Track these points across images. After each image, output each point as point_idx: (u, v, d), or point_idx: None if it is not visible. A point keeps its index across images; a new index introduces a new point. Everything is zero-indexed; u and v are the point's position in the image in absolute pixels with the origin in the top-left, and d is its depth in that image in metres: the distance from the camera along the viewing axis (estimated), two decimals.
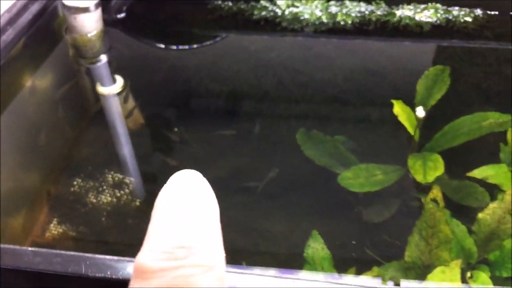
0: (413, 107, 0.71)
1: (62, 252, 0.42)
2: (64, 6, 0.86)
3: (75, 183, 0.71)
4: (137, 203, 0.70)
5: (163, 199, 0.23)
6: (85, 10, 0.86)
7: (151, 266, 0.20)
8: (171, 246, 0.21)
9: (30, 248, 0.42)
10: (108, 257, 0.43)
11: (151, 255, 0.21)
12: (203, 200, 0.23)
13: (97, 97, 0.85)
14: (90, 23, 0.87)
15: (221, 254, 0.22)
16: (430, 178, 0.63)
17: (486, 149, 0.71)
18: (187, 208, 0.22)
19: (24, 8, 0.83)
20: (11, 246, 0.43)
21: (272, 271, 0.45)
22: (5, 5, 0.84)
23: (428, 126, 0.73)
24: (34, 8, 0.86)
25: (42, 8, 0.88)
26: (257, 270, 0.46)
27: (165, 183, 0.69)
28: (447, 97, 0.75)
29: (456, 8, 0.90)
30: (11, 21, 0.80)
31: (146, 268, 0.20)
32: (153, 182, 0.74)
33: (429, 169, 0.64)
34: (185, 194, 0.23)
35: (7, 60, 0.80)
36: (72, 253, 0.42)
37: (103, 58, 0.90)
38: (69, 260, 0.42)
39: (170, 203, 0.22)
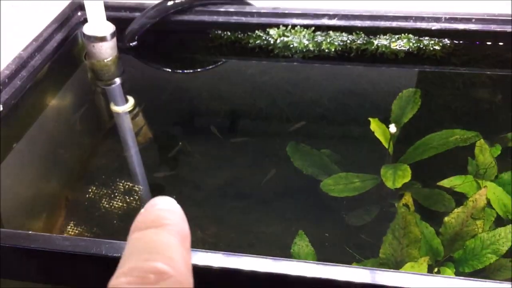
0: (388, 124, 0.73)
1: (86, 238, 0.46)
2: (84, 35, 0.88)
3: (90, 190, 0.72)
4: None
5: (139, 224, 0.22)
6: (103, 39, 0.87)
7: None
8: (144, 270, 0.20)
9: (60, 235, 0.46)
10: (124, 242, 0.46)
11: (124, 279, 0.20)
12: (176, 227, 0.22)
13: (111, 114, 0.86)
14: (106, 50, 0.88)
15: (191, 279, 0.21)
16: (398, 184, 0.65)
17: (457, 162, 0.72)
18: (160, 234, 0.21)
19: (49, 37, 0.85)
20: (45, 234, 0.47)
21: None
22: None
23: (402, 141, 0.74)
24: (58, 37, 0.88)
25: (65, 37, 0.90)
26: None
27: (169, 190, 0.70)
28: (418, 116, 0.77)
29: (427, 38, 0.90)
30: (39, 49, 0.82)
31: None
32: (159, 189, 0.75)
33: (398, 177, 0.66)
34: (160, 221, 0.22)
35: (35, 82, 0.82)
36: (94, 239, 0.46)
37: (117, 80, 0.91)
38: (92, 244, 0.45)
39: (145, 229, 0.21)
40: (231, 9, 0.93)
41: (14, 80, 0.76)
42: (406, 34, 0.90)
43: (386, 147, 0.73)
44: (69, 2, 0.95)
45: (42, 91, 0.85)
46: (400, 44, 0.91)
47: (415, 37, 0.90)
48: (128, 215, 0.69)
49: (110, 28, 0.88)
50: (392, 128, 0.71)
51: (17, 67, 0.78)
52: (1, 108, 0.72)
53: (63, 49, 0.89)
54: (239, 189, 0.74)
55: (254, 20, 0.93)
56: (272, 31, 0.92)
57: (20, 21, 0.73)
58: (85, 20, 0.89)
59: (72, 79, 0.93)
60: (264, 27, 0.92)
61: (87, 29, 0.87)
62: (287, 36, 0.92)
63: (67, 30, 0.91)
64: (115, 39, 0.89)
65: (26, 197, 0.71)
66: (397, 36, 0.90)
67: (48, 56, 0.84)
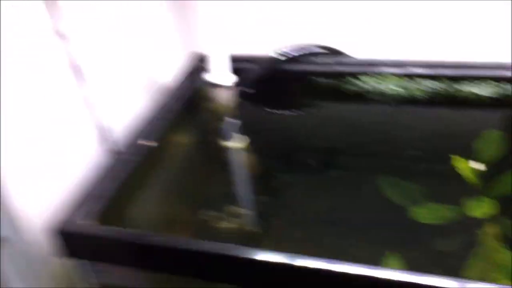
0: (472, 162, 0.77)
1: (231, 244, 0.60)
2: (209, 83, 1.00)
3: (207, 213, 0.80)
4: (252, 229, 0.78)
5: None
6: (224, 86, 0.98)
7: None
8: None
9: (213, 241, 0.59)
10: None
11: None
12: None
13: (227, 150, 0.94)
14: (226, 95, 0.99)
15: None
16: (478, 214, 0.70)
17: None
18: None
19: (186, 88, 0.99)
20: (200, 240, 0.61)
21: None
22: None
23: (485, 177, 0.77)
24: (186, 85, 1.00)
25: (191, 84, 1.02)
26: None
27: (272, 214, 0.79)
28: (501, 154, 0.80)
29: (509, 84, 0.92)
30: (177, 98, 0.96)
31: None
32: (264, 214, 0.82)
33: (479, 207, 0.70)
34: None
35: (173, 123, 0.93)
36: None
37: (233, 121, 1.01)
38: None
39: None
40: (329, 60, 1.01)
41: (159, 121, 0.90)
42: (489, 81, 0.93)
43: (470, 181, 0.77)
44: (192, 54, 1.06)
45: (176, 130, 0.95)
46: (483, 89, 0.93)
47: (498, 84, 0.92)
48: (237, 234, 0.76)
49: (231, 77, 0.99)
50: (476, 165, 0.76)
51: (159, 113, 0.91)
52: (156, 144, 0.86)
53: (193, 95, 1.00)
54: (334, 215, 0.79)
55: (350, 69, 0.99)
56: (366, 79, 0.99)
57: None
58: (207, 69, 1.00)
59: (198, 119, 1.02)
60: (358, 75, 0.99)
61: (211, 78, 0.99)
62: (379, 82, 0.98)
63: (193, 79, 1.02)
64: (233, 86, 1.00)
65: (158, 216, 0.80)
66: (480, 82, 0.93)
67: (182, 102, 0.96)
